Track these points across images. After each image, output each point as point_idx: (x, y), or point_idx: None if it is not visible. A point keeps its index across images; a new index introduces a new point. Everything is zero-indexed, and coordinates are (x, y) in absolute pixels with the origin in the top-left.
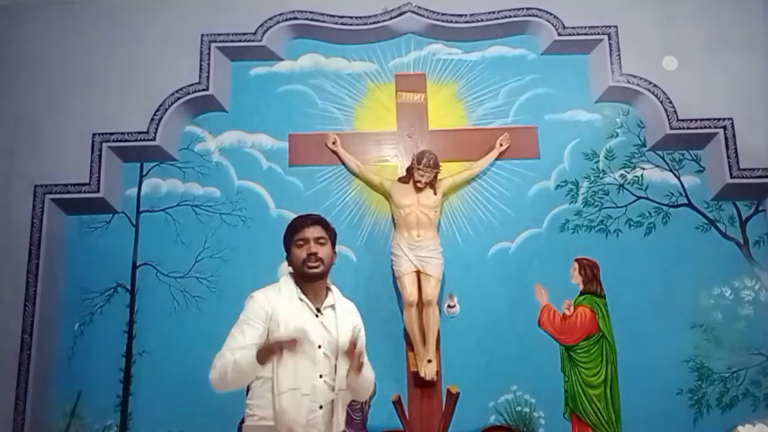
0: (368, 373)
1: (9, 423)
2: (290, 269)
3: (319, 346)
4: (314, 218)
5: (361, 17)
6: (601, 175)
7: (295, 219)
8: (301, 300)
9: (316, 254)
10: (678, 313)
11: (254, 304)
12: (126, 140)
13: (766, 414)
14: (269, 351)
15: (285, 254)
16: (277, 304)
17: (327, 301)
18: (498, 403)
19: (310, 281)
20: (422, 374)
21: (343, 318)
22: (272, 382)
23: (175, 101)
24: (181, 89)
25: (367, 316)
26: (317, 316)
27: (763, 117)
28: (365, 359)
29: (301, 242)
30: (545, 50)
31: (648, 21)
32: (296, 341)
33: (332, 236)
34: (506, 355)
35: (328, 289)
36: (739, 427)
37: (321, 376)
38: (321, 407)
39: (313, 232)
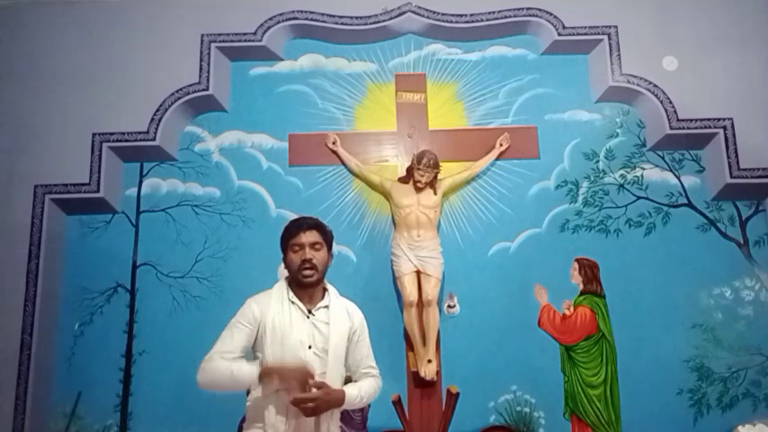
0: (362, 393)
1: (9, 423)
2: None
3: (309, 347)
4: (310, 222)
5: (361, 17)
6: (601, 175)
7: (291, 222)
8: (292, 302)
9: (310, 260)
10: (678, 313)
11: (244, 308)
12: (126, 140)
13: (766, 414)
14: (271, 373)
15: (282, 255)
16: (266, 308)
17: (322, 303)
18: (498, 403)
19: (305, 287)
20: (422, 374)
21: (337, 316)
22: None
23: (175, 101)
24: (181, 89)
25: (367, 316)
26: (308, 317)
27: (763, 117)
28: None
29: (297, 247)
30: (545, 50)
31: (648, 21)
32: (304, 370)
33: (328, 239)
34: (506, 355)
35: (325, 290)
36: (739, 427)
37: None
38: None
39: (309, 237)
